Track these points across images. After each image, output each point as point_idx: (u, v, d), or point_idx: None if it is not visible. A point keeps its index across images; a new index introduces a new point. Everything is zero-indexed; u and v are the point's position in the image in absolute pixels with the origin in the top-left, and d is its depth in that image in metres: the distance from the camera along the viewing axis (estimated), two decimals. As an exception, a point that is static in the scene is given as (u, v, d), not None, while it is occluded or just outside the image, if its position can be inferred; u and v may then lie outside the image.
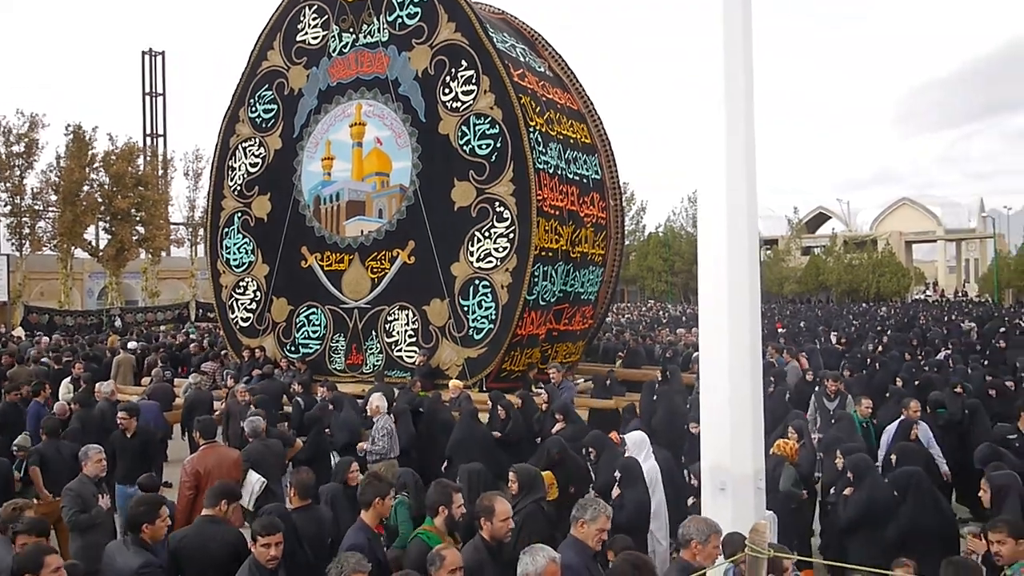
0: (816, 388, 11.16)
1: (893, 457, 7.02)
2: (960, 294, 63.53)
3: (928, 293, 65.20)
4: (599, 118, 16.68)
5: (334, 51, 15.61)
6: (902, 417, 8.51)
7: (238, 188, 16.79)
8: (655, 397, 11.01)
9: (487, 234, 13.64)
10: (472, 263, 13.75)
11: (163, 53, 61.36)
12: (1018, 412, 8.28)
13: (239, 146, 16.81)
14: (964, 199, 74.60)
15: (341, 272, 15.33)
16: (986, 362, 15.32)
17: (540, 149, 13.77)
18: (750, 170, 4.99)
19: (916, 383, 11.93)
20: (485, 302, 13.63)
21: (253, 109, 16.64)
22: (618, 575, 4.05)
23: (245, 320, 16.63)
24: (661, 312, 42.96)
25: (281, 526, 4.73)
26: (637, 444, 7.22)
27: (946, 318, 31.66)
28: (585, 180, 15.44)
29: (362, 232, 15.18)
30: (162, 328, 33.25)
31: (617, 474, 6.56)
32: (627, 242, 54.15)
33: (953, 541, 5.91)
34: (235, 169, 16.85)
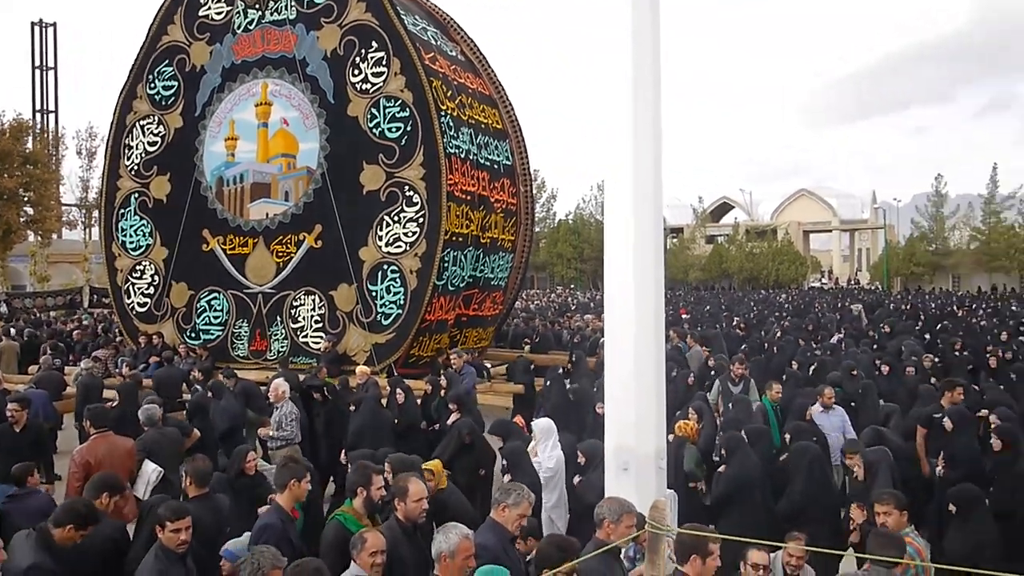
0: (713, 372, 11.41)
1: (787, 436, 7.30)
2: (853, 282, 66.45)
3: (824, 281, 67.88)
4: (510, 104, 16.70)
5: (239, 28, 15.13)
6: (816, 406, 8.74)
7: (135, 168, 16.14)
8: (548, 383, 11.13)
9: (396, 218, 13.50)
10: (381, 248, 13.60)
11: (54, 24, 58.30)
12: (943, 391, 8.73)
13: (137, 124, 16.15)
14: (858, 191, 77.98)
15: (245, 256, 14.94)
16: (875, 346, 16.10)
17: (451, 134, 13.69)
18: (656, 159, 5.06)
19: (811, 366, 12.47)
20: (393, 287, 13.50)
21: (152, 86, 15.99)
22: (544, 558, 4.07)
23: (142, 305, 16.02)
24: (570, 299, 43.44)
25: (189, 510, 4.59)
26: (544, 431, 7.19)
27: (839, 304, 33.10)
28: (496, 166, 15.44)
29: (267, 215, 14.81)
30: (52, 314, 31.67)
31: (504, 461, 6.55)
32: (537, 229, 54.55)
33: (839, 513, 6.20)
34: (132, 148, 16.18)
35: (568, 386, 11.04)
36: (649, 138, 5.02)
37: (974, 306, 31.49)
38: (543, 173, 66.83)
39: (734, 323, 21.43)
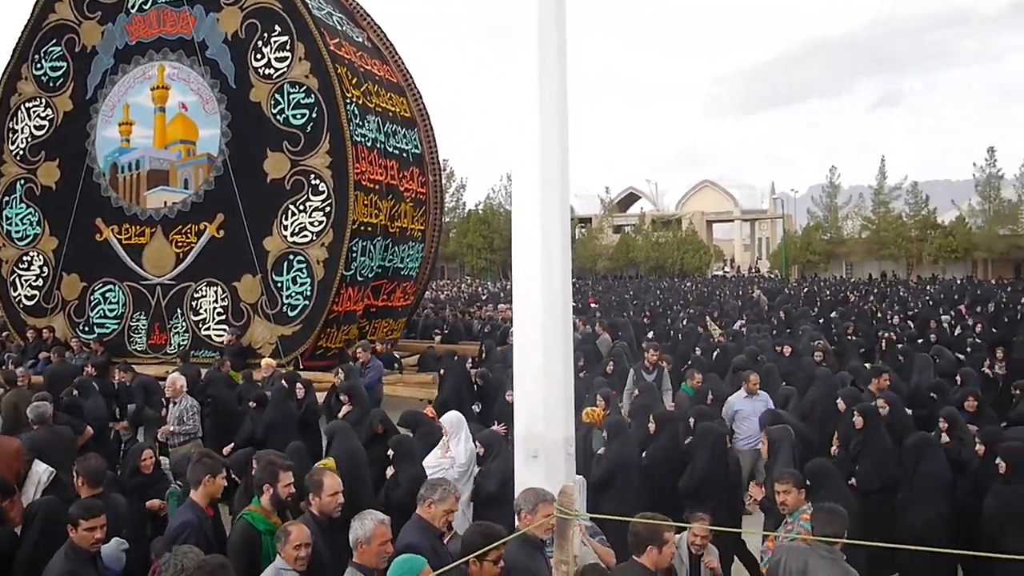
0: (613, 360, 11.55)
1: (692, 420, 7.49)
2: (753, 270, 68.80)
3: (726, 269, 69.96)
4: (419, 92, 16.55)
5: (133, 7, 14.49)
6: (741, 392, 8.95)
7: (21, 153, 15.30)
8: (441, 371, 11.07)
9: (302, 207, 13.21)
10: (286, 237, 13.29)
11: (-72, -1, 54.59)
12: (870, 377, 9.08)
13: (22, 106, 15.31)
14: (758, 182, 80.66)
15: (142, 246, 14.37)
16: (774, 332, 16.70)
17: (357, 122, 13.47)
18: (563, 149, 5.09)
19: (714, 352, 12.85)
20: (300, 278, 13.22)
21: (38, 66, 15.17)
22: (469, 546, 4.07)
23: (30, 298, 15.22)
24: (480, 289, 43.53)
25: (103, 508, 4.48)
26: (455, 425, 6.99)
27: (740, 292, 34.24)
28: (405, 154, 15.29)
29: (165, 203, 14.28)
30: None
31: (391, 452, 6.49)
32: (447, 219, 54.37)
33: (737, 490, 6.43)
34: (17, 132, 15.34)
35: (474, 373, 11.01)
36: (556, 129, 5.04)
37: (865, 291, 33.08)
38: (452, 163, 66.64)
39: (642, 312, 21.86)
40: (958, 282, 41.56)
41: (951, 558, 5.83)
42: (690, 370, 9.83)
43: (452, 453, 6.85)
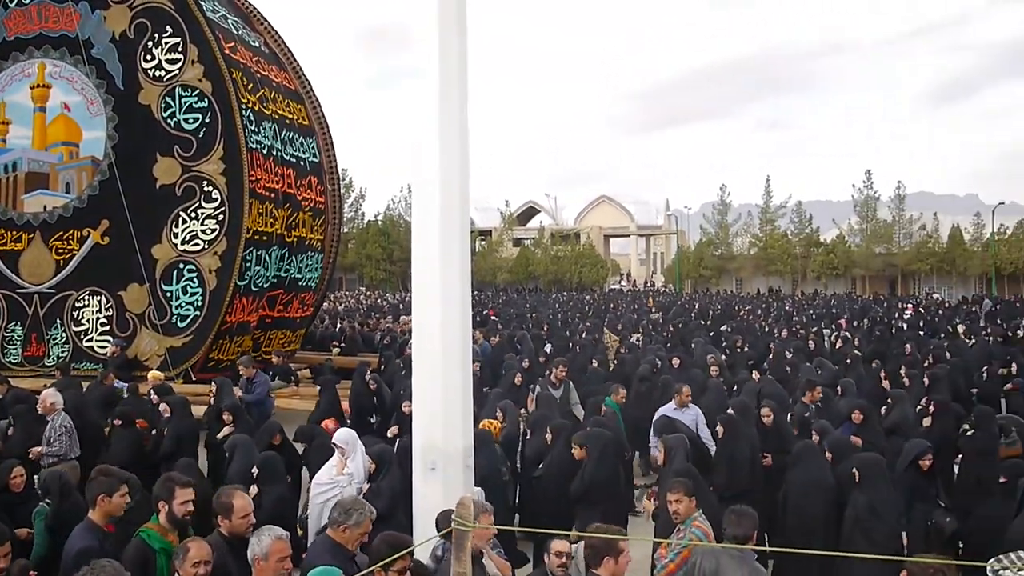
0: (504, 371, 11.62)
1: (588, 428, 7.62)
2: (649, 284, 70.50)
3: (623, 283, 71.33)
4: (317, 99, 16.29)
5: (12, 1, 13.74)
6: (671, 404, 9.05)
7: None
8: (319, 388, 10.83)
9: (194, 215, 12.80)
10: (176, 245, 12.84)
11: None
12: (804, 391, 9.43)
13: None
14: (653, 198, 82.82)
15: (18, 252, 13.65)
16: (668, 344, 17.16)
17: (252, 128, 13.16)
18: (464, 162, 5.13)
19: (613, 363, 13.12)
20: (191, 287, 12.78)
21: (-97, 59, 14.19)
22: (375, 555, 4.03)
23: None
24: (380, 300, 43.05)
25: (9, 534, 4.29)
26: (351, 442, 6.77)
27: (637, 305, 35.04)
28: (302, 163, 15.02)
29: (45, 208, 13.58)
30: None
31: (255, 470, 6.27)
32: (346, 229, 53.57)
33: (624, 495, 6.58)
34: None
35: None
36: (456, 142, 5.08)
37: (753, 306, 34.40)
38: (351, 172, 65.80)
39: (540, 324, 22.08)
40: (842, 296, 43.70)
41: (832, 559, 6.14)
42: (613, 384, 9.95)
43: (350, 470, 6.70)
